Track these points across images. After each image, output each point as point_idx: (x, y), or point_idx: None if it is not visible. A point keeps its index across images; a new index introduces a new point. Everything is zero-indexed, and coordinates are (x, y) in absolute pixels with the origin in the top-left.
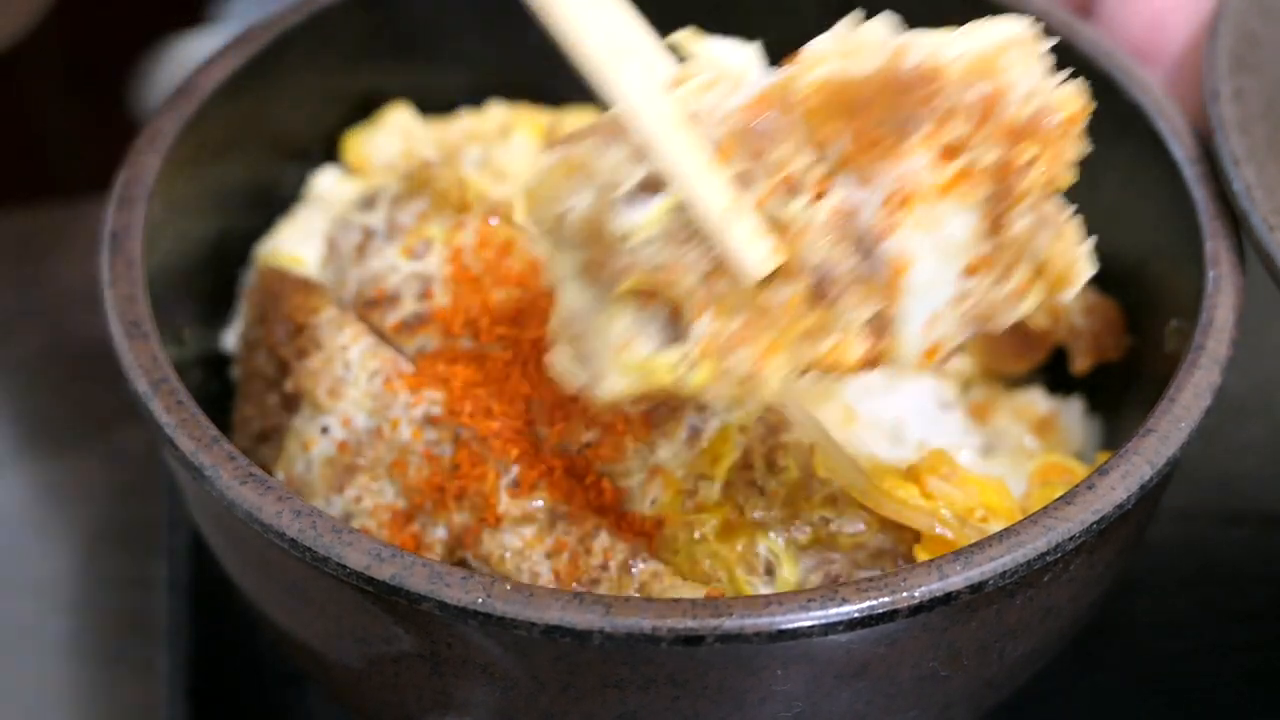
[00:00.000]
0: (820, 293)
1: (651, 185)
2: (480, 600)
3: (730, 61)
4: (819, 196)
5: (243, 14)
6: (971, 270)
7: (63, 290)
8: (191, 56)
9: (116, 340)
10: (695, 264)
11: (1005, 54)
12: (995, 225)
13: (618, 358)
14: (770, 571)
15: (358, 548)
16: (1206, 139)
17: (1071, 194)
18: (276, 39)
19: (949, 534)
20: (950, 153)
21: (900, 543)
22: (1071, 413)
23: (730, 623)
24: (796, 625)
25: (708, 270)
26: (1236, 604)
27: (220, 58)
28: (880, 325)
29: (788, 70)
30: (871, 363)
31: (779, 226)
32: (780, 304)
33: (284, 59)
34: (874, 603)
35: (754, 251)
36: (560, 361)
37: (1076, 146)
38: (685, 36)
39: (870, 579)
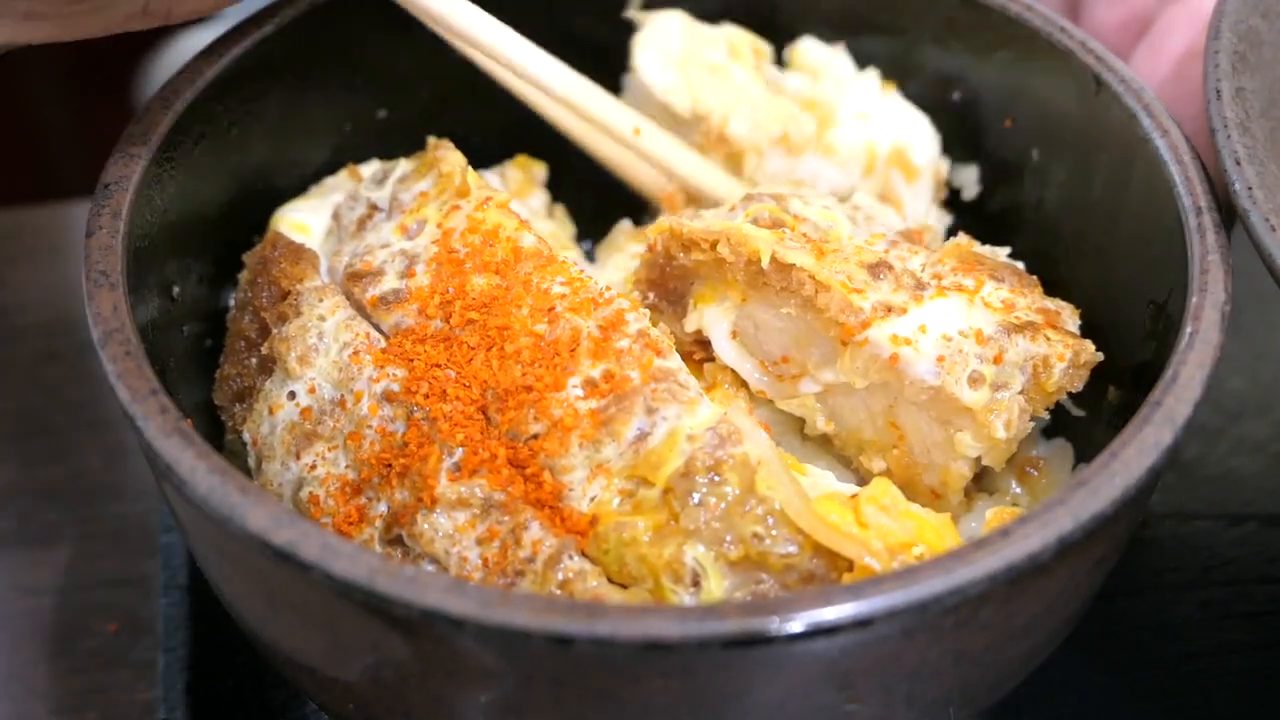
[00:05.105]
0: None
1: None
2: (365, 576)
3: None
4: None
5: (240, 13)
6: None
7: (62, 289)
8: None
9: (85, 288)
10: None
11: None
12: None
13: None
14: (697, 583)
15: (260, 509)
16: (1223, 190)
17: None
18: (305, 12)
19: (876, 565)
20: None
21: (833, 569)
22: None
23: (601, 628)
24: (668, 638)
25: None
26: (1236, 604)
27: (249, 25)
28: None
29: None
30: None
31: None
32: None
33: (320, 36)
34: (751, 625)
35: None
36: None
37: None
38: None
39: (751, 602)
